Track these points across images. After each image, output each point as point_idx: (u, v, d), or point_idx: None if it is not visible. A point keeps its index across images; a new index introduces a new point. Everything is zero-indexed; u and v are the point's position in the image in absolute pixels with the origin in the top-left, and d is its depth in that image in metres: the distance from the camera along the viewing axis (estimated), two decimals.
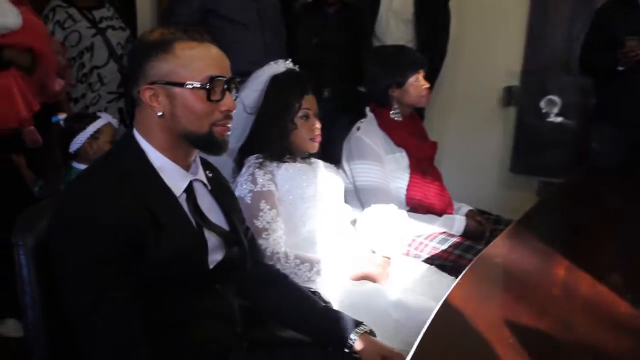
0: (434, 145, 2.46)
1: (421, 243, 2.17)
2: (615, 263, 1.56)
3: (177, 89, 1.21)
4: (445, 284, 1.69)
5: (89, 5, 2.85)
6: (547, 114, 3.68)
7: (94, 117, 2.30)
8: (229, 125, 1.28)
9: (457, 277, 1.38)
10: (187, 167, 1.29)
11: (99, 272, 1.11)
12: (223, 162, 1.86)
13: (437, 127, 3.49)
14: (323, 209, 1.87)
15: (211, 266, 1.26)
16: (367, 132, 2.26)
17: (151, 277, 1.17)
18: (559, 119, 3.67)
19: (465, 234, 2.21)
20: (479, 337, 1.10)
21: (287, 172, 1.83)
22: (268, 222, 1.74)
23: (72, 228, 1.13)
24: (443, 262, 2.09)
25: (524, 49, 3.63)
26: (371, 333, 1.38)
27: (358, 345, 1.34)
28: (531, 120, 3.74)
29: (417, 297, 1.72)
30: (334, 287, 1.75)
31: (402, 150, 2.29)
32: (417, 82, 2.28)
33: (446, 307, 1.21)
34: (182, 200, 1.26)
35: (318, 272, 1.74)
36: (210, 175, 1.38)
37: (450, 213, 2.32)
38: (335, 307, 1.62)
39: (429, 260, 2.09)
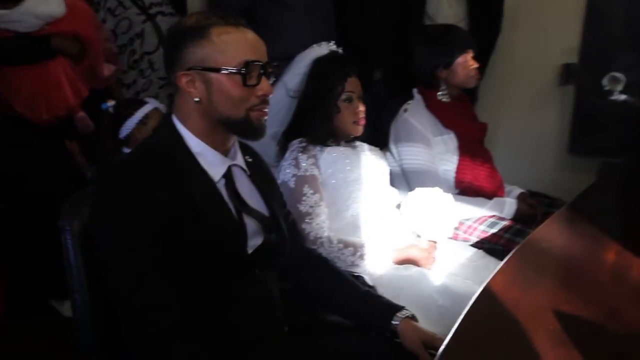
0: (483, 127, 2.40)
1: (470, 226, 2.13)
2: None
3: (213, 75, 1.21)
4: (493, 269, 1.63)
5: None
6: (610, 92, 3.51)
7: (142, 103, 2.32)
8: (266, 110, 1.27)
9: None
10: (225, 153, 1.29)
11: (136, 259, 1.13)
12: (267, 147, 1.87)
13: (491, 108, 3.38)
14: (367, 193, 1.85)
15: (250, 251, 1.26)
16: (414, 114, 2.22)
17: (190, 263, 1.19)
18: (623, 97, 3.50)
19: (516, 217, 2.15)
20: (518, 325, 1.07)
21: (330, 156, 1.82)
22: (311, 207, 1.74)
23: (106, 220, 1.16)
24: (493, 245, 2.04)
25: (583, 24, 3.47)
26: (413, 318, 1.37)
27: (400, 330, 1.33)
28: (592, 99, 3.59)
29: (463, 282, 1.69)
30: (377, 272, 1.74)
31: (450, 132, 2.24)
32: (466, 62, 2.22)
33: (487, 292, 1.18)
34: (221, 186, 1.26)
35: (362, 257, 1.73)
36: (250, 160, 1.38)
37: (501, 196, 2.26)
38: (379, 291, 1.61)
39: (478, 244, 2.06)
